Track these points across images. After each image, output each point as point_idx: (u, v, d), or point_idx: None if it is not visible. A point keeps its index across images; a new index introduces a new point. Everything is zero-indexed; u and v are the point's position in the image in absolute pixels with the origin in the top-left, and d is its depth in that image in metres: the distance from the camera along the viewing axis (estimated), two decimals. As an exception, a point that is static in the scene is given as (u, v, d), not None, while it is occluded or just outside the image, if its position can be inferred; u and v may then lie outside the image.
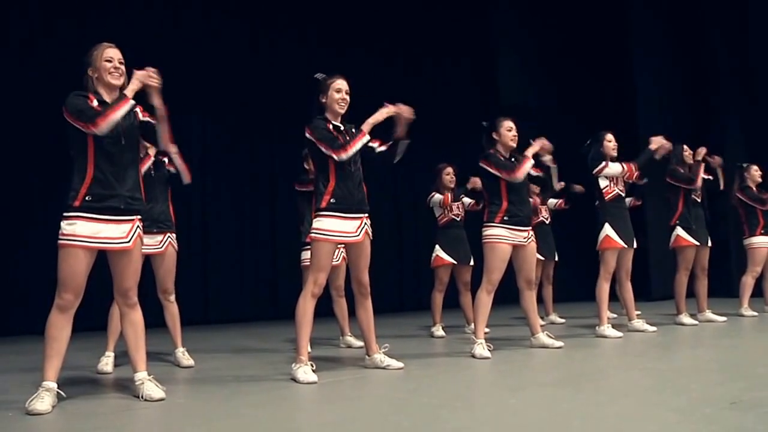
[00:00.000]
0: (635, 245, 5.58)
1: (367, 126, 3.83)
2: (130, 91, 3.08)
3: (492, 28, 10.88)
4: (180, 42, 8.03)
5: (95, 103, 3.10)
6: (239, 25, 8.58)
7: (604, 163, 5.49)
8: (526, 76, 10.99)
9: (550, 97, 10.76)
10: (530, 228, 4.70)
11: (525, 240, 4.63)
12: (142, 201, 3.23)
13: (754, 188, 6.90)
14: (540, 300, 6.39)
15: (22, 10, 7.26)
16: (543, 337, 4.76)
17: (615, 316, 6.85)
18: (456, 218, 6.03)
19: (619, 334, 5.27)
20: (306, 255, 5.09)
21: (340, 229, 3.77)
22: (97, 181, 3.05)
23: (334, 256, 5.00)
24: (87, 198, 3.02)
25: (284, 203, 8.26)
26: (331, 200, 3.76)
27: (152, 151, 4.34)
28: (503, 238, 4.53)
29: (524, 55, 11.08)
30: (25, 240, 6.93)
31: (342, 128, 3.89)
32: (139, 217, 3.22)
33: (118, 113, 3.03)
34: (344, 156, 3.74)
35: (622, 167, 5.50)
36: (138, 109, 3.28)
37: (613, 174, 5.48)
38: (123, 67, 3.20)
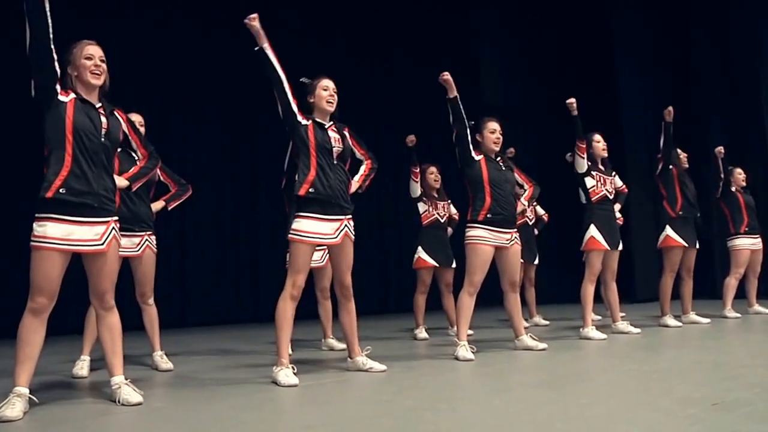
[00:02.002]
0: (620, 247, 5.63)
1: None
2: None
3: (473, 28, 10.93)
4: (160, 40, 7.98)
5: (69, 96, 3.07)
6: (218, 22, 8.54)
7: (573, 156, 5.52)
8: (508, 75, 11.05)
9: (534, 97, 10.83)
10: (515, 230, 4.72)
11: (508, 242, 4.65)
12: (114, 202, 3.18)
13: (737, 191, 6.98)
14: (524, 302, 6.42)
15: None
16: (527, 339, 4.78)
17: (599, 318, 6.91)
18: (440, 218, 6.05)
19: (604, 336, 5.31)
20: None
21: (317, 231, 3.77)
22: (73, 174, 3.00)
23: (319, 258, 5.05)
24: (60, 190, 2.97)
25: (267, 201, 8.25)
26: (310, 189, 3.76)
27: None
28: (485, 239, 4.55)
29: (506, 55, 11.14)
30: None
31: (327, 125, 3.90)
32: (115, 218, 3.17)
33: None
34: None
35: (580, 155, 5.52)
36: (120, 117, 3.27)
37: (579, 167, 5.50)
38: (104, 66, 3.16)
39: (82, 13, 7.27)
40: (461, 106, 4.55)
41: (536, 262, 7.10)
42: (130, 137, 3.43)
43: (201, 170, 8.25)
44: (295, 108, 3.81)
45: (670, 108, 6.03)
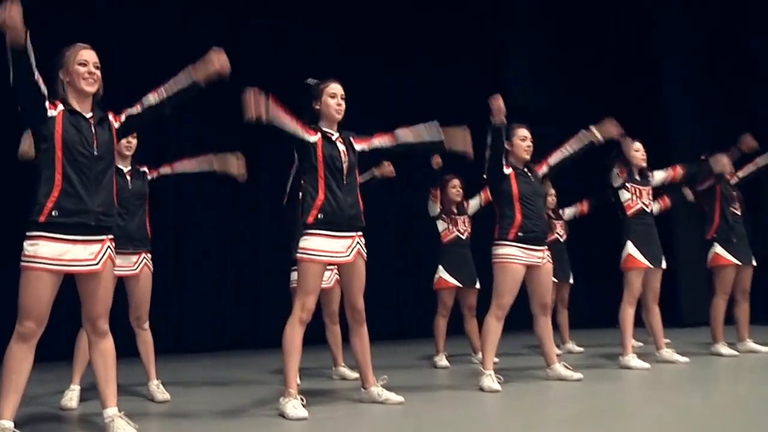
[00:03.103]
0: (663, 265, 5.61)
1: None
2: None
3: (500, 26, 10.98)
4: (153, 44, 8.06)
5: (57, 109, 3.10)
6: (216, 24, 8.63)
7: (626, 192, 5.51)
8: (537, 75, 11.07)
9: (565, 100, 10.84)
10: (546, 247, 4.75)
11: (540, 260, 4.67)
12: (114, 218, 3.25)
13: None
14: (555, 326, 6.41)
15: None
16: (560, 368, 4.79)
17: (641, 344, 6.86)
18: (461, 235, 6.07)
19: (646, 365, 5.28)
20: (295, 276, 5.10)
21: (328, 249, 3.80)
22: (65, 194, 3.05)
23: (326, 279, 5.08)
24: (53, 213, 3.02)
25: (269, 217, 8.29)
26: (319, 215, 3.80)
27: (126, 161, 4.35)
28: (516, 257, 4.58)
29: (535, 53, 11.17)
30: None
31: (335, 137, 3.94)
32: (110, 236, 3.22)
33: None
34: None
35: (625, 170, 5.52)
36: (111, 117, 3.30)
37: (615, 179, 5.52)
38: (99, 72, 3.21)
39: (77, 8, 7.38)
40: (504, 135, 4.60)
41: (570, 281, 7.10)
42: (121, 120, 3.31)
43: (197, 182, 8.30)
44: (304, 135, 3.83)
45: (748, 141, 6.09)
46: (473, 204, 6.22)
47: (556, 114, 10.60)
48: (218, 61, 3.30)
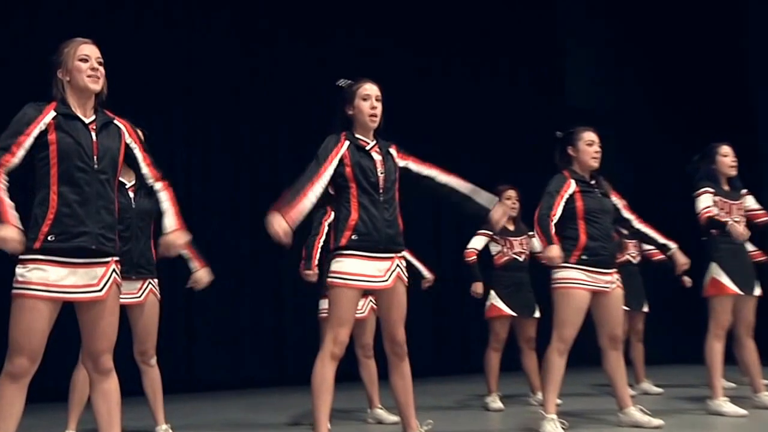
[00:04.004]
0: (757, 292, 5.48)
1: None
2: None
3: (558, 21, 10.96)
4: (161, 45, 8.18)
5: (43, 122, 3.09)
6: (229, 19, 8.73)
7: (703, 189, 5.39)
8: (598, 73, 11.04)
9: (631, 101, 10.77)
10: (615, 270, 4.69)
11: (608, 285, 4.63)
12: (115, 242, 3.22)
13: None
14: (628, 362, 6.31)
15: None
16: (635, 413, 4.71)
17: (734, 385, 6.72)
18: (518, 257, 6.03)
19: (742, 411, 5.16)
20: (324, 304, 5.11)
21: (364, 272, 3.81)
22: (61, 215, 3.05)
23: (360, 307, 5.08)
24: (50, 238, 3.03)
25: (293, 236, 8.31)
26: (353, 237, 3.82)
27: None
28: (580, 282, 4.55)
29: (596, 49, 11.15)
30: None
31: (369, 146, 3.94)
32: (116, 258, 3.22)
33: None
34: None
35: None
36: (123, 126, 3.29)
37: (708, 205, 5.36)
38: (102, 69, 3.22)
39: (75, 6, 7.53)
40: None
41: (645, 309, 6.99)
42: (135, 154, 3.35)
43: (209, 197, 8.38)
44: (324, 183, 3.85)
45: None
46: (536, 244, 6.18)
47: (619, 116, 10.55)
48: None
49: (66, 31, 3.44)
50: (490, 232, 6.01)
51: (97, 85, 3.20)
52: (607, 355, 4.73)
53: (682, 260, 5.05)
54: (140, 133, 3.39)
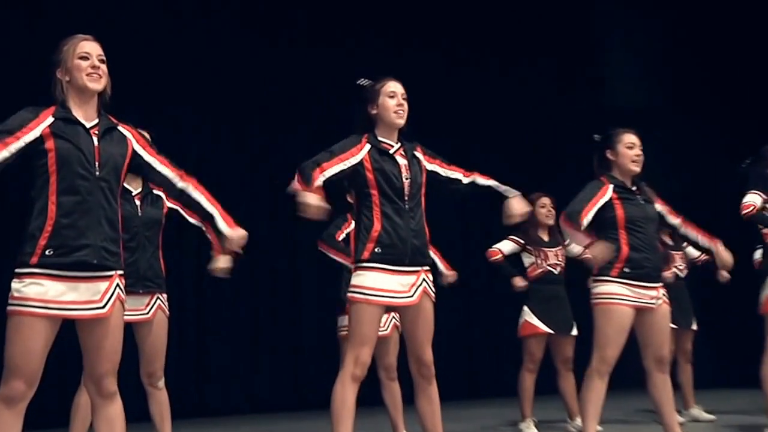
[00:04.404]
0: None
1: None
2: None
3: (595, 14, 10.94)
4: (174, 44, 8.23)
5: (38, 129, 3.07)
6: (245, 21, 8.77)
7: (753, 196, 5.31)
8: (638, 69, 11.01)
9: (675, 99, 10.71)
10: (661, 284, 4.63)
11: (653, 301, 4.56)
12: (120, 257, 3.21)
13: None
14: (676, 385, 6.24)
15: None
16: (683, 440, 4.65)
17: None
18: (553, 270, 5.99)
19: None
20: (344, 321, 5.11)
21: (387, 287, 3.80)
22: (60, 227, 3.03)
23: (383, 324, 5.05)
24: (47, 252, 3.01)
25: (311, 248, 8.30)
26: (376, 249, 3.81)
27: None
28: (622, 297, 4.49)
29: (635, 43, 11.11)
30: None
31: (393, 149, 3.94)
32: (120, 272, 3.21)
33: None
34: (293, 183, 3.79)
35: None
36: (129, 133, 3.28)
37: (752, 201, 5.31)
38: (104, 67, 3.21)
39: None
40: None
41: (694, 327, 6.92)
42: (147, 160, 3.32)
43: (222, 205, 8.38)
44: (347, 163, 3.87)
45: None
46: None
47: (662, 115, 10.48)
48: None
49: (69, 28, 3.44)
50: (522, 240, 5.99)
51: (98, 84, 3.17)
52: (653, 377, 4.64)
53: (726, 257, 4.95)
54: (146, 135, 3.38)
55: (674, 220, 4.93)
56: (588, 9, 10.93)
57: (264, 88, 8.68)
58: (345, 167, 3.85)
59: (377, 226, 3.82)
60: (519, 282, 6.02)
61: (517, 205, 4.03)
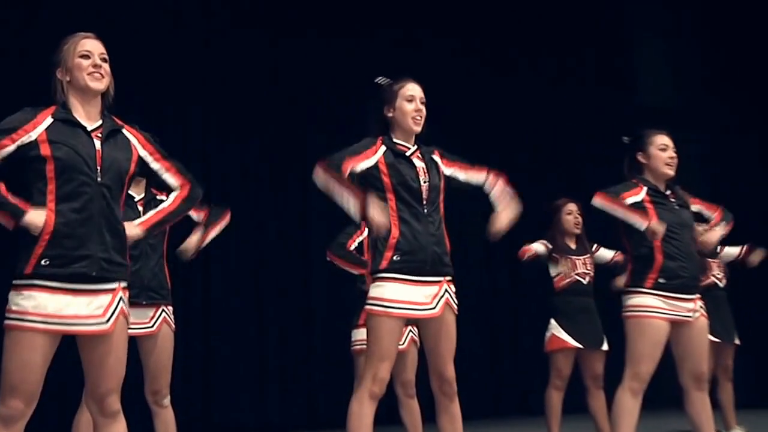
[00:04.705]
0: None
1: None
2: None
3: (625, 8, 10.93)
4: (178, 44, 8.26)
5: (35, 132, 3.07)
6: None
7: None
8: (672, 67, 10.98)
9: (708, 98, 10.67)
10: (699, 296, 4.61)
11: (690, 314, 4.54)
12: (126, 268, 3.20)
13: None
14: (715, 404, 6.19)
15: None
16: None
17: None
18: (582, 280, 5.96)
19: None
20: (359, 335, 5.11)
21: (408, 299, 3.80)
22: (59, 236, 3.02)
23: (401, 338, 5.04)
24: (43, 262, 3.01)
25: (322, 257, 8.30)
26: (394, 257, 3.81)
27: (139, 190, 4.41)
28: (657, 310, 4.46)
29: (669, 38, 11.09)
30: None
31: (409, 152, 3.94)
32: (123, 284, 3.20)
33: None
34: (319, 173, 3.81)
35: None
36: (135, 138, 3.28)
37: None
38: (107, 66, 3.21)
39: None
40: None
41: (735, 342, 6.86)
42: (153, 167, 3.33)
43: (233, 217, 8.39)
44: (364, 163, 3.89)
45: None
46: (603, 255, 6.13)
47: (695, 116, 10.45)
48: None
49: (68, 27, 3.45)
50: (550, 246, 5.98)
51: (99, 84, 3.17)
52: (691, 396, 4.60)
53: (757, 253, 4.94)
54: (151, 139, 3.38)
55: (711, 213, 4.93)
56: (618, 5, 10.92)
57: (274, 88, 8.71)
58: (369, 165, 3.86)
59: (395, 232, 3.82)
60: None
61: (502, 220, 4.00)
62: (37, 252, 3.01)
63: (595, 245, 6.12)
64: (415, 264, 3.81)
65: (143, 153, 3.29)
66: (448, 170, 4.03)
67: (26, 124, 3.09)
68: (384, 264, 3.81)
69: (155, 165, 3.33)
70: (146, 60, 7.65)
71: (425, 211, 3.87)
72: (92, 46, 3.20)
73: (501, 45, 9.94)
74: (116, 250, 3.15)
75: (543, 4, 10.15)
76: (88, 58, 3.17)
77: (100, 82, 3.17)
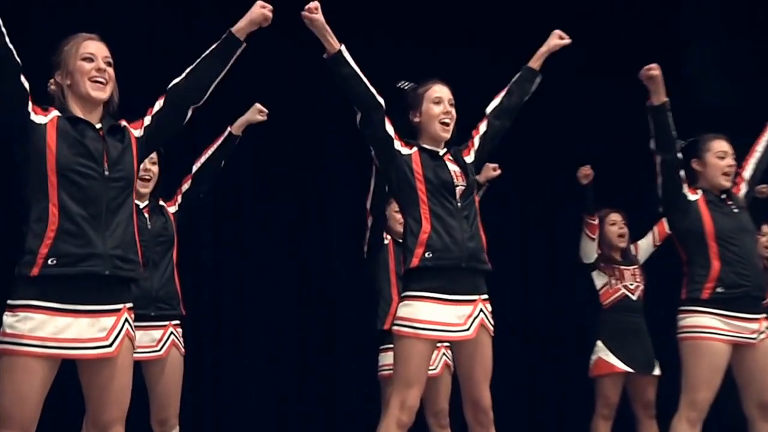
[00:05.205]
0: None
1: None
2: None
3: (672, 2, 10.91)
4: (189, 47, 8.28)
5: (47, 117, 3.10)
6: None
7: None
8: (727, 63, 10.93)
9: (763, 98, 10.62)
10: (764, 315, 4.58)
11: (754, 336, 4.52)
12: (139, 265, 3.22)
13: None
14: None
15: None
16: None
17: None
18: (631, 295, 5.93)
19: None
20: (388, 359, 5.09)
21: (439, 319, 3.82)
22: (65, 234, 3.02)
23: (432, 362, 5.03)
24: (50, 261, 3.00)
25: (347, 270, 8.30)
26: (426, 254, 3.83)
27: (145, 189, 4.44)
28: (715, 331, 4.45)
29: (724, 31, 11.04)
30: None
31: (441, 153, 3.98)
32: (129, 305, 3.20)
33: None
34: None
35: None
36: (127, 125, 3.31)
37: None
38: (111, 71, 3.22)
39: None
40: (671, 119, 4.53)
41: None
42: (148, 123, 3.35)
43: (244, 220, 8.41)
44: (390, 130, 3.94)
45: None
46: (643, 246, 6.11)
47: (754, 118, 10.37)
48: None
49: (73, 26, 3.47)
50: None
51: (102, 93, 3.18)
52: (756, 427, 4.58)
53: None
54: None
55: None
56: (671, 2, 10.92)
57: (289, 90, 8.73)
58: (400, 148, 3.96)
59: (426, 227, 3.86)
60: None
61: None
62: (42, 252, 3.01)
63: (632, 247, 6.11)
64: (449, 261, 3.82)
65: (136, 132, 3.31)
66: (468, 158, 4.10)
67: (38, 107, 3.12)
68: (415, 262, 3.83)
69: (148, 119, 3.35)
70: (157, 67, 7.69)
71: (459, 204, 3.91)
72: (96, 48, 3.21)
73: (536, 43, 9.92)
74: (129, 246, 3.17)
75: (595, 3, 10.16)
76: (92, 61, 3.18)
77: (103, 91, 3.18)
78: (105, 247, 3.08)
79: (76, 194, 3.06)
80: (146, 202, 4.49)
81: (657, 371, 5.86)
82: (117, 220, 3.13)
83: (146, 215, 4.44)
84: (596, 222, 6.00)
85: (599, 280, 6.02)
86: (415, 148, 3.96)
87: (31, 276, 3.00)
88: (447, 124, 3.98)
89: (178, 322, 4.45)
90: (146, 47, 7.69)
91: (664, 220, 5.36)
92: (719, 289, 4.46)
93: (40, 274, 3.00)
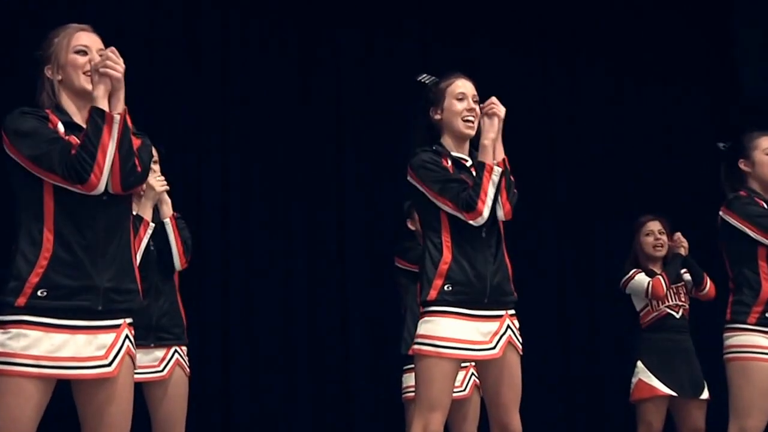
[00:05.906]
0: None
1: (488, 153, 3.83)
2: (100, 99, 3.04)
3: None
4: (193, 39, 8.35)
5: (61, 128, 3.12)
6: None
7: None
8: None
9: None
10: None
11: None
12: (137, 294, 3.23)
13: None
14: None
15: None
16: None
17: None
18: (674, 313, 5.92)
19: None
20: (410, 380, 5.12)
21: (463, 337, 3.83)
22: (58, 263, 3.03)
23: (459, 383, 5.04)
24: (39, 292, 3.01)
25: (365, 288, 8.31)
26: (445, 287, 3.84)
27: (147, 214, 4.46)
28: (765, 350, 4.45)
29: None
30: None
31: (469, 162, 3.98)
32: (128, 321, 3.22)
33: (112, 153, 2.98)
34: (480, 216, 3.77)
35: None
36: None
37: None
38: None
39: None
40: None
41: None
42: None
43: (252, 230, 8.42)
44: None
45: None
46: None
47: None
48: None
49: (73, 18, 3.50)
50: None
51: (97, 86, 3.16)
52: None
53: None
54: (154, 151, 3.41)
55: None
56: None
57: (303, 99, 8.76)
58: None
59: (447, 256, 3.85)
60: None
61: None
62: (32, 281, 3.02)
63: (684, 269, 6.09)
64: (470, 296, 3.84)
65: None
66: None
67: (48, 123, 3.10)
68: (433, 294, 3.84)
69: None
70: (161, 72, 7.74)
71: (483, 233, 3.88)
72: (89, 39, 3.21)
73: (573, 44, 9.91)
74: (126, 274, 3.18)
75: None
76: (85, 54, 3.18)
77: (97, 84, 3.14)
78: (100, 278, 3.08)
79: (72, 219, 3.06)
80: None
81: (705, 395, 5.85)
82: (115, 247, 3.14)
83: (150, 240, 4.45)
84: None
85: (639, 302, 6.02)
86: (448, 162, 3.92)
87: (16, 306, 3.01)
88: (471, 122, 3.94)
89: (182, 343, 4.47)
90: (143, 44, 7.74)
91: None
92: None
93: (27, 305, 3.01)
